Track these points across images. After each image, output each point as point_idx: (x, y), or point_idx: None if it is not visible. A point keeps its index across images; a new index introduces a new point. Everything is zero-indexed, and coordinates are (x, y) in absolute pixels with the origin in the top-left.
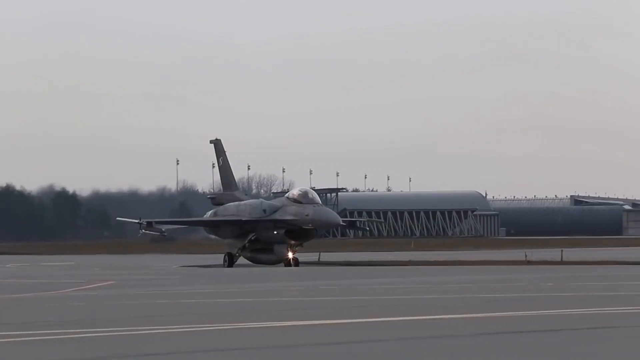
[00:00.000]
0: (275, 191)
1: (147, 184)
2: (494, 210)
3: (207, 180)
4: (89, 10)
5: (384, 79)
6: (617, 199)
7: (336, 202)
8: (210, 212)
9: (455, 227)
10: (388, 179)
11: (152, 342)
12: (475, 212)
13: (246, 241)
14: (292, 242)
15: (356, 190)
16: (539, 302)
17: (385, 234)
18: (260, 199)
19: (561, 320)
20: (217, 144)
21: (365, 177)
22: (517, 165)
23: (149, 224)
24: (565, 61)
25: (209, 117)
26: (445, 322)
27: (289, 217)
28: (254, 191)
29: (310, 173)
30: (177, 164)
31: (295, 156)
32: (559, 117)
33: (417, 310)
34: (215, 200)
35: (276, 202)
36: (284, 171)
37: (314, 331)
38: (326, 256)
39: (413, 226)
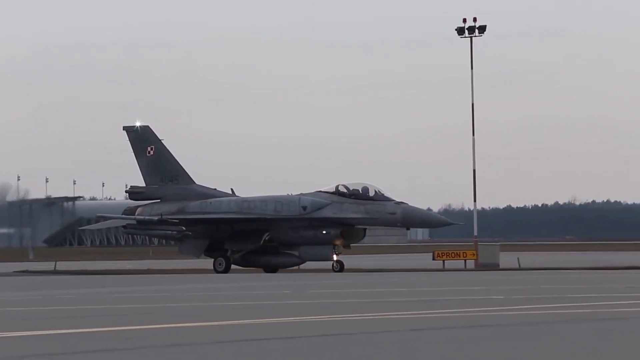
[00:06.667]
0: (10, 200)
1: None
2: None
3: None
4: None
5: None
6: None
7: (73, 211)
8: (139, 208)
9: None
10: (126, 186)
11: None
12: None
13: (260, 242)
14: (339, 243)
15: (93, 199)
16: (277, 310)
17: (123, 242)
18: (299, 195)
19: (297, 328)
20: (138, 132)
21: (103, 185)
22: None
23: (161, 220)
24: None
25: None
26: (179, 330)
27: (355, 215)
28: None
29: (47, 181)
30: None
31: (31, 164)
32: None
33: (156, 319)
34: (144, 194)
35: (316, 197)
36: (18, 179)
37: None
38: (63, 265)
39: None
